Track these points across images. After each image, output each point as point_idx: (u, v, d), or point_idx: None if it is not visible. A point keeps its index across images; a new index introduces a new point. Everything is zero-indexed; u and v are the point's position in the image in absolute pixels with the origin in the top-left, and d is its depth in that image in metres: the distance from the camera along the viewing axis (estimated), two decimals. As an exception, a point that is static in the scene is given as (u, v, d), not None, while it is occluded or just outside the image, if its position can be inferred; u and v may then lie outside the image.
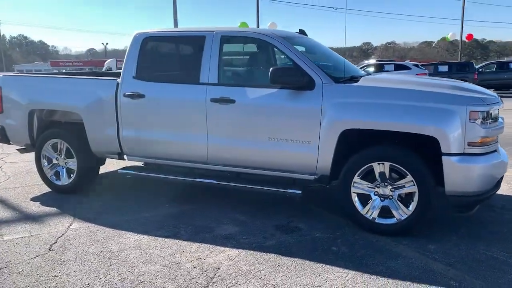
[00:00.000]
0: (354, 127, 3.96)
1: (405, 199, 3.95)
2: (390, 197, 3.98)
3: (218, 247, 3.85)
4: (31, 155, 5.71)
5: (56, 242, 3.97)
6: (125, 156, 5.13)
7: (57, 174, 5.48)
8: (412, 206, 3.90)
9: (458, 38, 28.34)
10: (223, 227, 4.31)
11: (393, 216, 3.98)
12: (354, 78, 4.40)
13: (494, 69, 22.79)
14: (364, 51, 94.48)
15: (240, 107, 4.38)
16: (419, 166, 3.83)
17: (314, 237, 4.03)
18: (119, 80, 4.95)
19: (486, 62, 26.57)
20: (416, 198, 3.87)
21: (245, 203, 4.96)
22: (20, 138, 5.63)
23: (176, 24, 21.29)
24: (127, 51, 5.00)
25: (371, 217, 4.05)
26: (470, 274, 3.31)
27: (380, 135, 3.99)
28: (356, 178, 4.05)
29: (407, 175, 3.86)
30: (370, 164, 3.98)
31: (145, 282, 3.25)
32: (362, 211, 4.08)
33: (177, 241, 3.98)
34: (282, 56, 4.75)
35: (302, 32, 5.53)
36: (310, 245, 3.86)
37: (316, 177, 4.26)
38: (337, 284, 3.20)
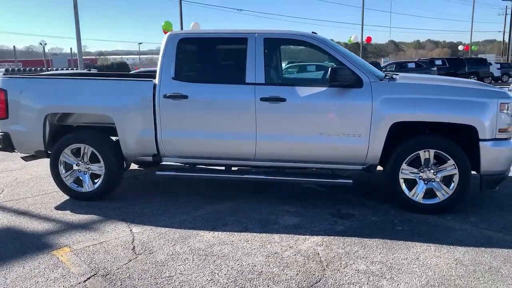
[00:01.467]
0: (403, 119, 4.48)
1: (446, 182, 4.58)
2: (433, 180, 4.58)
3: (298, 235, 4.10)
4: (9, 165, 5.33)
5: (134, 247, 3.89)
6: (162, 159, 5.08)
7: (78, 181, 5.21)
8: (453, 187, 4.54)
9: (359, 40, 31.02)
10: (284, 218, 4.56)
11: (436, 196, 4.58)
12: (393, 77, 4.93)
13: (394, 69, 25.19)
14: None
15: (291, 105, 4.65)
16: (459, 152, 4.47)
17: (372, 221, 4.47)
18: (155, 81, 4.91)
19: (389, 62, 29.11)
20: (456, 179, 4.51)
21: (283, 197, 5.22)
22: (31, 145, 5.24)
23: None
24: (161, 52, 4.97)
25: (417, 199, 4.61)
26: (520, 236, 4.01)
27: (422, 126, 4.56)
28: (404, 165, 4.59)
29: (449, 159, 4.49)
30: (417, 152, 4.54)
31: (264, 272, 3.40)
32: (409, 194, 4.62)
33: (255, 234, 4.15)
34: (324, 57, 5.10)
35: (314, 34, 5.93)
36: (375, 227, 4.29)
37: (364, 166, 4.72)
38: (429, 255, 3.67)
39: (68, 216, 4.72)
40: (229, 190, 5.51)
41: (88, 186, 5.17)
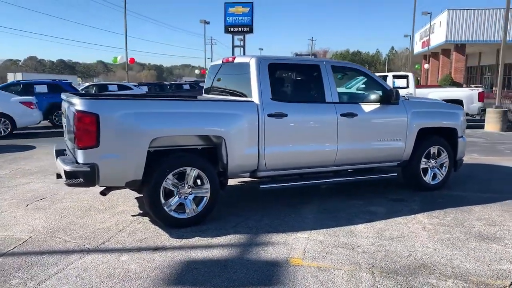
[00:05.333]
0: (425, 126, 6.39)
1: (441, 167, 6.72)
2: (436, 167, 6.65)
3: (404, 217, 5.43)
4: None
5: (291, 253, 4.45)
6: (258, 173, 5.41)
7: (180, 207, 4.95)
8: (445, 170, 6.72)
9: (124, 60, 31.34)
10: (372, 208, 5.75)
11: (437, 177, 6.68)
12: (407, 97, 6.75)
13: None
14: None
15: (360, 119, 5.90)
16: (448, 147, 6.69)
17: (415, 200, 6.18)
18: (255, 101, 5.27)
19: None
20: (447, 165, 6.71)
21: (338, 195, 6.32)
22: (124, 175, 4.65)
23: None
24: (254, 75, 5.34)
25: (428, 181, 6.59)
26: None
27: (432, 131, 6.55)
28: (423, 158, 6.49)
29: (444, 152, 6.65)
30: (430, 148, 6.52)
31: (411, 231, 4.68)
32: (425, 178, 6.56)
33: (384, 221, 5.24)
34: (363, 80, 6.46)
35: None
36: (428, 206, 5.94)
37: (399, 162, 6.39)
38: (485, 213, 5.66)
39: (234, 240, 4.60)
40: (307, 196, 6.24)
41: (191, 211, 4.99)
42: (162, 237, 4.70)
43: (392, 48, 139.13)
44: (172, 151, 5.01)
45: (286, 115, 5.37)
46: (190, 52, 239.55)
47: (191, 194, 4.99)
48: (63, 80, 18.48)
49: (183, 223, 4.95)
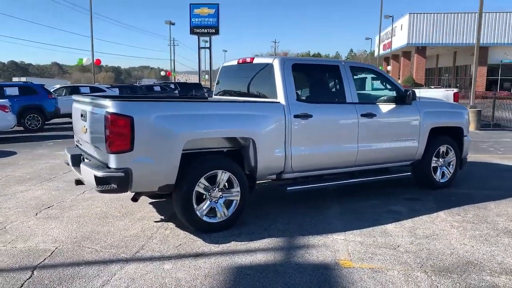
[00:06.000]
0: (436, 126, 6.51)
1: (449, 165, 6.87)
2: (443, 165, 6.80)
3: (428, 215, 5.51)
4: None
5: (337, 255, 4.44)
6: (284, 175, 5.34)
7: (210, 211, 4.80)
8: (452, 168, 6.88)
9: (90, 62, 30.37)
10: (392, 207, 5.80)
11: (445, 175, 6.82)
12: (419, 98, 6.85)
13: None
14: None
15: (379, 118, 5.94)
16: (455, 146, 6.85)
17: (429, 199, 6.29)
18: (281, 102, 5.20)
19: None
20: (454, 163, 6.88)
21: (355, 195, 6.34)
22: (158, 179, 4.47)
23: None
24: (279, 76, 5.26)
25: (439, 180, 6.73)
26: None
27: (440, 131, 6.69)
28: (433, 157, 6.62)
29: (451, 151, 6.81)
30: (439, 147, 6.65)
31: (442, 230, 4.78)
32: (435, 177, 6.69)
33: (411, 220, 5.30)
34: (377, 81, 6.50)
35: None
36: (445, 204, 6.05)
37: (412, 162, 6.48)
38: (501, 209, 5.84)
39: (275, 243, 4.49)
40: (324, 198, 6.22)
41: (222, 215, 4.85)
42: (197, 243, 4.54)
43: (351, 50, 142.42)
44: (200, 154, 4.87)
45: (311, 116, 5.33)
46: (151, 54, 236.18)
47: (222, 197, 4.86)
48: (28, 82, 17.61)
49: (215, 227, 4.81)
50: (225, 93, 6.47)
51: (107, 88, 20.38)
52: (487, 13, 41.00)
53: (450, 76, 50.64)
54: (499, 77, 43.03)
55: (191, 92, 30.72)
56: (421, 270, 3.88)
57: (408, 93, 6.14)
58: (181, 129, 4.48)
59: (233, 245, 4.48)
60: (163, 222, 5.20)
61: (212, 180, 4.78)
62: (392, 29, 47.91)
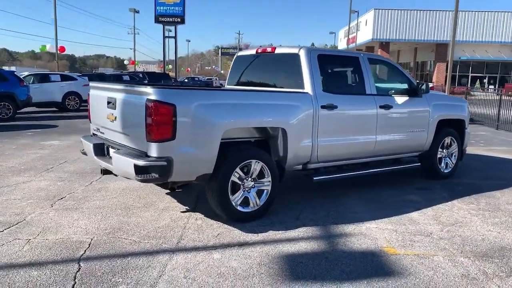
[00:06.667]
0: (443, 118, 6.75)
1: (451, 156, 7.14)
2: (447, 156, 7.06)
3: (444, 203, 5.72)
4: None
5: (378, 242, 4.58)
6: (309, 165, 5.38)
7: (245, 201, 4.78)
8: (454, 158, 7.16)
9: (54, 50, 29.14)
10: (407, 197, 5.98)
11: (449, 166, 7.09)
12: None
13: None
14: None
15: (395, 110, 6.08)
16: (458, 137, 7.13)
17: (438, 188, 6.52)
18: (309, 92, 5.23)
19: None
20: (456, 154, 7.16)
21: (369, 185, 6.48)
22: (197, 169, 4.41)
23: None
24: (305, 66, 5.28)
25: (443, 170, 6.99)
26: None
27: (445, 123, 6.93)
28: (439, 149, 6.86)
29: (455, 143, 7.08)
30: (445, 138, 6.90)
31: (464, 217, 5.02)
32: (440, 167, 6.94)
33: (430, 208, 5.48)
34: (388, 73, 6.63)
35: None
36: (455, 194, 6.27)
37: (421, 152, 6.69)
38: (509, 198, 6.14)
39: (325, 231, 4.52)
40: (340, 188, 6.28)
41: (254, 205, 4.84)
42: (234, 232, 4.51)
43: (312, 44, 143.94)
44: (234, 144, 4.83)
45: (336, 107, 5.39)
46: (108, 42, 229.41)
47: (254, 187, 4.85)
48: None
49: (248, 217, 4.80)
50: (240, 83, 6.41)
51: (78, 76, 19.66)
52: (446, 12, 42.63)
53: (410, 72, 52.30)
54: (457, 74, 44.91)
55: (159, 82, 30.16)
56: (463, 256, 4.04)
57: (421, 86, 6.33)
58: (220, 118, 4.43)
59: (272, 234, 4.49)
60: (190, 213, 5.13)
61: (245, 170, 4.76)
62: (357, 24, 48.87)
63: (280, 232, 4.55)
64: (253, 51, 6.22)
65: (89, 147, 5.21)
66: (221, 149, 4.55)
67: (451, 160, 7.13)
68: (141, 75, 29.03)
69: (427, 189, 6.42)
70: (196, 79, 59.79)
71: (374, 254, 4.04)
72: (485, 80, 45.26)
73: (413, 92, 6.32)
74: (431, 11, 43.18)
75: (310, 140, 5.21)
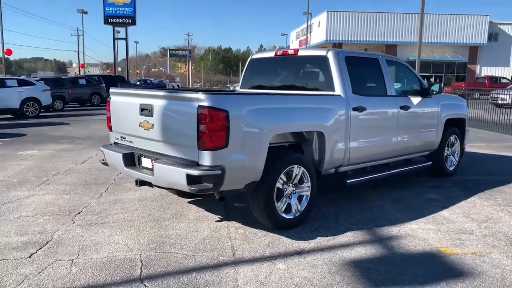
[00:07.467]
0: (450, 117, 6.95)
1: (454, 153, 7.37)
2: (452, 154, 7.28)
3: (464, 201, 5.88)
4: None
5: (429, 243, 4.65)
6: (341, 168, 5.35)
7: (288, 207, 4.67)
8: (456, 156, 7.40)
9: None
10: (427, 196, 6.09)
11: (454, 165, 7.32)
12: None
13: None
14: None
15: (412, 111, 6.18)
16: (460, 136, 7.37)
17: (448, 185, 6.71)
18: (341, 94, 5.20)
19: None
20: (458, 151, 7.40)
21: (384, 186, 6.54)
22: (247, 176, 4.25)
23: None
24: (335, 68, 5.24)
25: (449, 168, 7.21)
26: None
27: (449, 122, 7.13)
28: (445, 147, 7.06)
29: (457, 141, 7.32)
30: (450, 137, 7.11)
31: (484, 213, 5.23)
32: (446, 165, 7.15)
33: (455, 206, 5.60)
34: (401, 74, 6.71)
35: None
36: (468, 191, 6.47)
37: (430, 151, 6.85)
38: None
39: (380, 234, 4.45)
40: (359, 189, 6.25)
41: (296, 211, 4.74)
42: (283, 240, 4.39)
43: (261, 46, 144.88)
44: (276, 150, 4.70)
45: (365, 109, 5.39)
46: (46, 44, 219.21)
47: (295, 193, 4.75)
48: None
49: (291, 224, 4.69)
50: (257, 87, 6.27)
51: (37, 81, 18.60)
52: (395, 14, 44.36)
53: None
54: (406, 73, 46.74)
55: (116, 85, 29.09)
56: (516, 252, 4.16)
57: (432, 86, 6.48)
58: (270, 123, 4.31)
59: (323, 240, 4.41)
60: (226, 222, 4.95)
61: (287, 176, 4.65)
62: (309, 25, 49.73)
63: (329, 238, 4.48)
64: (271, 54, 6.11)
65: (116, 157, 4.88)
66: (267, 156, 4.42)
67: (454, 158, 7.37)
68: (97, 78, 27.99)
69: (441, 187, 6.58)
70: (149, 81, 58.55)
71: (434, 255, 4.06)
72: (432, 79, 47.45)
73: (425, 92, 6.46)
74: (381, 13, 44.78)
75: (344, 143, 5.18)
